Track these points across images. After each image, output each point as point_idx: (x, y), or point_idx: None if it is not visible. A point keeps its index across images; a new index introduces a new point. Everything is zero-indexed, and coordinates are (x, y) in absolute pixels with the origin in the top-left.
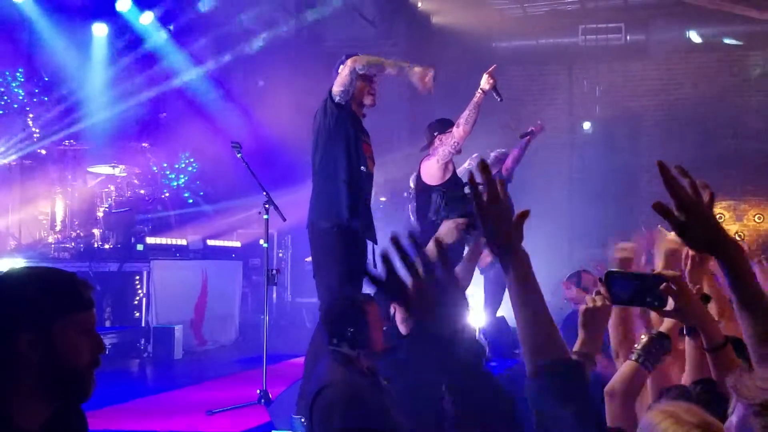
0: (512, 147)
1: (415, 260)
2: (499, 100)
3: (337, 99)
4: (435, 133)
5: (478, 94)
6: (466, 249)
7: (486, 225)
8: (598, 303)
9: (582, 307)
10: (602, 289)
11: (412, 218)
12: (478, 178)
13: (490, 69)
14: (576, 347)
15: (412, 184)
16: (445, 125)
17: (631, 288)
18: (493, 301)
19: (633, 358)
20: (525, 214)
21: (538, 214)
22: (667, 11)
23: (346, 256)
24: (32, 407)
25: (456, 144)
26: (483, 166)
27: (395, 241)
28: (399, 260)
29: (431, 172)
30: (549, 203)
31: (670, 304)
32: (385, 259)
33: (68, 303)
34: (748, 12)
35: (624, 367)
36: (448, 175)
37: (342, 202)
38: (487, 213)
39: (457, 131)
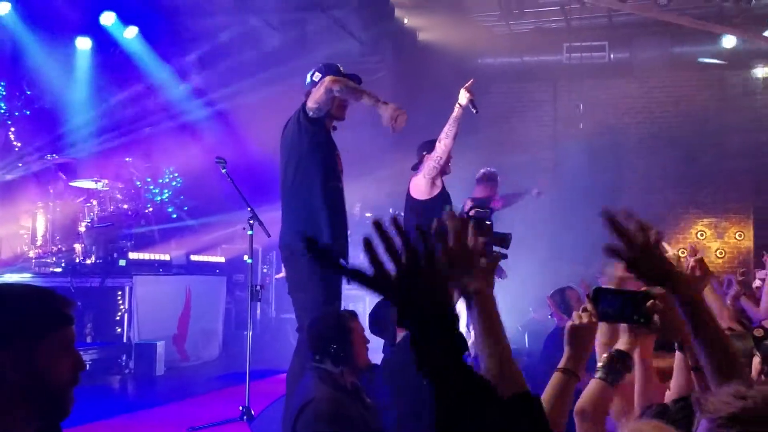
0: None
1: (399, 247)
2: (475, 112)
3: (311, 114)
4: (423, 153)
5: (457, 108)
6: None
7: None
8: (585, 320)
9: (568, 324)
10: (589, 306)
11: None
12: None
13: (468, 84)
14: (561, 363)
15: None
16: (432, 145)
17: (618, 305)
18: None
19: (597, 376)
20: (496, 260)
21: (522, 231)
22: (650, 30)
23: (326, 278)
24: (13, 426)
25: (439, 159)
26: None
27: (377, 225)
28: (382, 247)
29: (419, 187)
30: (533, 220)
31: (657, 321)
32: (368, 245)
33: (48, 320)
34: (729, 32)
35: (590, 386)
36: (436, 191)
37: (322, 226)
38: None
39: (439, 146)
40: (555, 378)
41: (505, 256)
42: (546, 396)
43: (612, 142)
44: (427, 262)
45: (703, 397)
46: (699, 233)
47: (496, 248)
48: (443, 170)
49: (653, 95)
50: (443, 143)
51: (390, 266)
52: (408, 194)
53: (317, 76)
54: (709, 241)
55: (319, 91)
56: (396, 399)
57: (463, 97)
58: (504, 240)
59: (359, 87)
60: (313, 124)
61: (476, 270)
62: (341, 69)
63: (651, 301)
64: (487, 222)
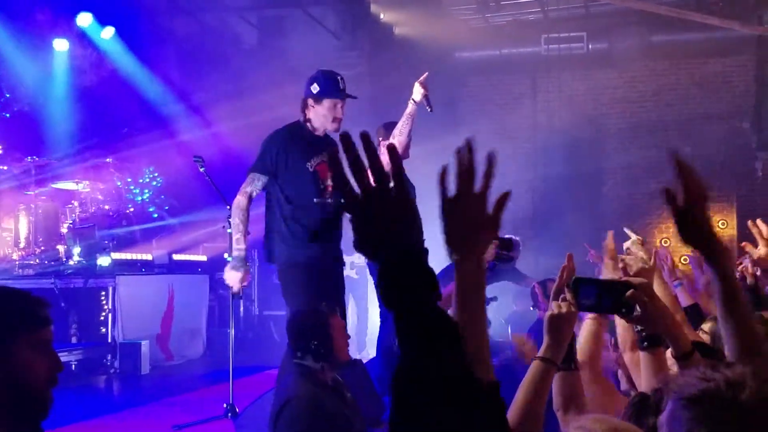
0: None
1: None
2: (429, 110)
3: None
4: (379, 138)
5: (411, 104)
6: None
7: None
8: (564, 309)
9: (547, 314)
10: (568, 296)
11: None
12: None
13: (422, 78)
14: (540, 352)
15: None
16: (389, 129)
17: (597, 295)
18: None
19: (560, 368)
20: (504, 199)
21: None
22: (628, 20)
23: (303, 289)
24: None
25: None
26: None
27: (345, 139)
28: (348, 164)
29: None
30: (512, 212)
31: (637, 311)
32: (332, 160)
33: (23, 322)
34: (708, 20)
35: (555, 381)
36: None
37: (286, 242)
38: (455, 204)
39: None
40: (534, 366)
41: (511, 259)
42: (524, 384)
43: (592, 132)
44: (397, 186)
45: (671, 378)
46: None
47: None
48: None
49: (633, 85)
50: (397, 141)
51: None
52: None
53: (315, 87)
54: None
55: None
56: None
57: (417, 92)
58: (509, 245)
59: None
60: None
61: (488, 231)
62: (339, 81)
63: (631, 291)
64: None
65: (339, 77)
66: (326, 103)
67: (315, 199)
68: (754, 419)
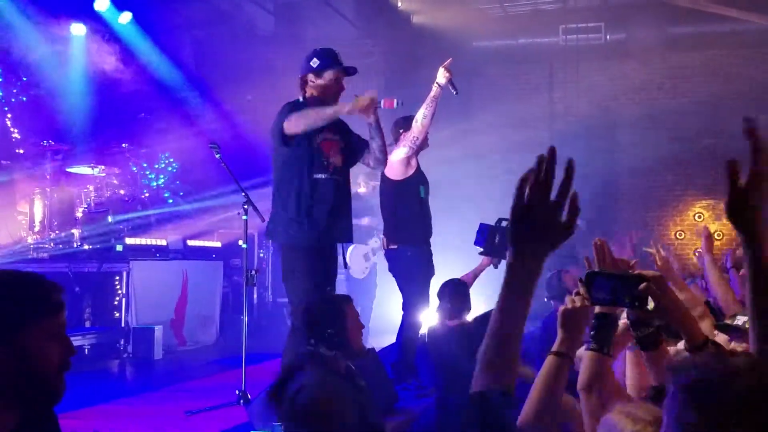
0: None
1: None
2: (454, 93)
3: (288, 133)
4: (400, 130)
5: (435, 87)
6: None
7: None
8: (578, 303)
9: (561, 308)
10: (582, 290)
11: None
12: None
13: (446, 63)
14: (555, 347)
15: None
16: (408, 122)
17: (611, 288)
18: None
19: (590, 348)
20: (576, 207)
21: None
22: (646, 10)
23: (303, 271)
24: (2, 412)
25: (415, 139)
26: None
27: (552, 152)
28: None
29: (393, 167)
30: None
31: (651, 304)
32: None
33: (36, 307)
34: (727, 12)
35: (585, 360)
36: (411, 171)
37: (287, 219)
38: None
39: (416, 126)
40: (548, 361)
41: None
42: (540, 379)
43: (608, 123)
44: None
45: (674, 364)
46: (697, 215)
47: None
48: (420, 149)
49: (650, 76)
50: (420, 123)
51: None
52: (382, 175)
53: (315, 62)
54: (707, 222)
55: (291, 123)
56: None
57: (442, 76)
58: None
59: (321, 110)
60: (286, 144)
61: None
62: (338, 55)
63: (644, 283)
64: None
65: (336, 51)
66: (328, 75)
67: (316, 175)
68: (746, 410)
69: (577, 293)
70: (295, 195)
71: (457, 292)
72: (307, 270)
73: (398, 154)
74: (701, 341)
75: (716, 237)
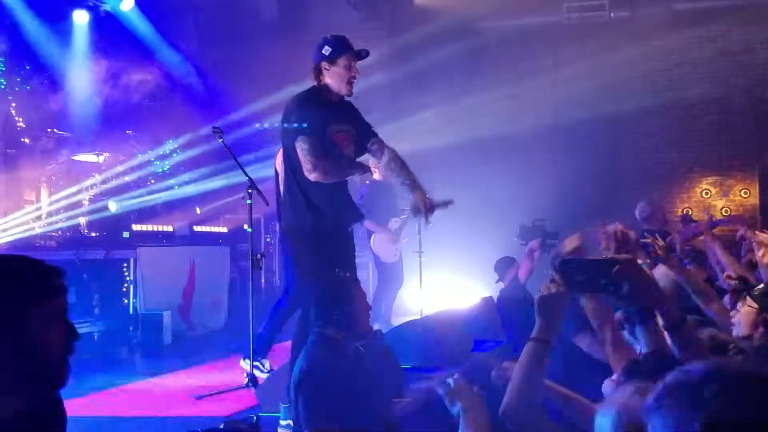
0: None
1: None
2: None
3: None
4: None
5: (401, 183)
6: None
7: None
8: (553, 290)
9: (537, 296)
10: (556, 276)
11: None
12: None
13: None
14: (534, 333)
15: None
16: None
17: (585, 274)
18: None
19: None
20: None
21: (520, 193)
22: None
23: (310, 256)
24: (5, 397)
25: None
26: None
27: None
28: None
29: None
30: (535, 183)
31: (625, 287)
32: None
33: (36, 291)
34: None
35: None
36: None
37: (298, 207)
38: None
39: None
40: (528, 347)
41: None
42: (520, 365)
43: (614, 102)
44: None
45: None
46: (704, 192)
47: None
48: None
49: (655, 54)
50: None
51: None
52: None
53: (327, 50)
54: (714, 199)
55: (305, 158)
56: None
57: (418, 201)
58: (554, 235)
59: (347, 170)
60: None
61: None
62: (348, 40)
63: (617, 266)
64: None
65: (346, 37)
66: (341, 61)
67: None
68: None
69: (552, 280)
70: (308, 184)
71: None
72: (318, 254)
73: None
74: (679, 319)
75: (723, 213)
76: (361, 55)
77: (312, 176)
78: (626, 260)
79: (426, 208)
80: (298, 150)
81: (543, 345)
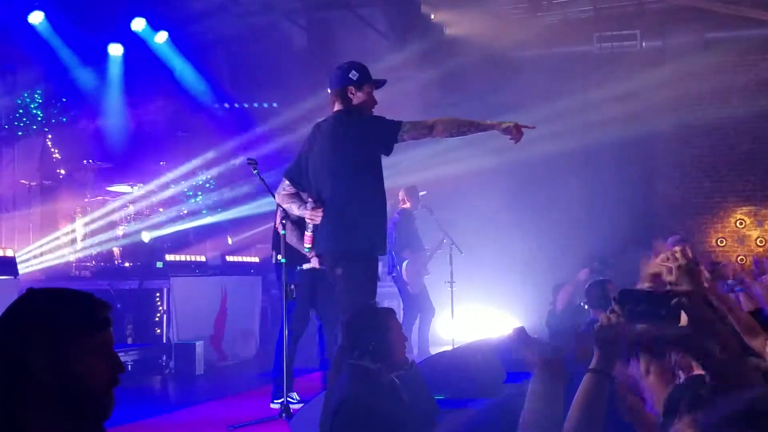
0: None
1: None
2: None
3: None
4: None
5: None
6: None
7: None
8: (613, 321)
9: (596, 326)
10: (615, 307)
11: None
12: None
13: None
14: (592, 364)
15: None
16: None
17: (643, 305)
18: None
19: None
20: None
21: (551, 222)
22: (682, 17)
23: (372, 283)
24: (52, 429)
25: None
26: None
27: None
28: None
29: None
30: (564, 211)
31: (684, 319)
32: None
33: (82, 324)
34: (764, 17)
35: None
36: None
37: (372, 231)
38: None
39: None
40: (587, 379)
41: None
42: (578, 399)
43: (645, 131)
44: None
45: None
46: (738, 222)
47: None
48: None
49: (688, 83)
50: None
51: None
52: None
53: (354, 74)
54: (749, 229)
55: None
56: None
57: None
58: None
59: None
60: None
61: None
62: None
63: (676, 299)
64: None
65: (366, 67)
66: (367, 88)
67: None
68: None
69: (612, 311)
70: (380, 202)
71: None
72: (373, 279)
73: None
74: (739, 353)
75: (758, 243)
76: (379, 85)
77: (441, 135)
78: (686, 292)
79: (518, 130)
80: (406, 136)
81: (602, 377)
